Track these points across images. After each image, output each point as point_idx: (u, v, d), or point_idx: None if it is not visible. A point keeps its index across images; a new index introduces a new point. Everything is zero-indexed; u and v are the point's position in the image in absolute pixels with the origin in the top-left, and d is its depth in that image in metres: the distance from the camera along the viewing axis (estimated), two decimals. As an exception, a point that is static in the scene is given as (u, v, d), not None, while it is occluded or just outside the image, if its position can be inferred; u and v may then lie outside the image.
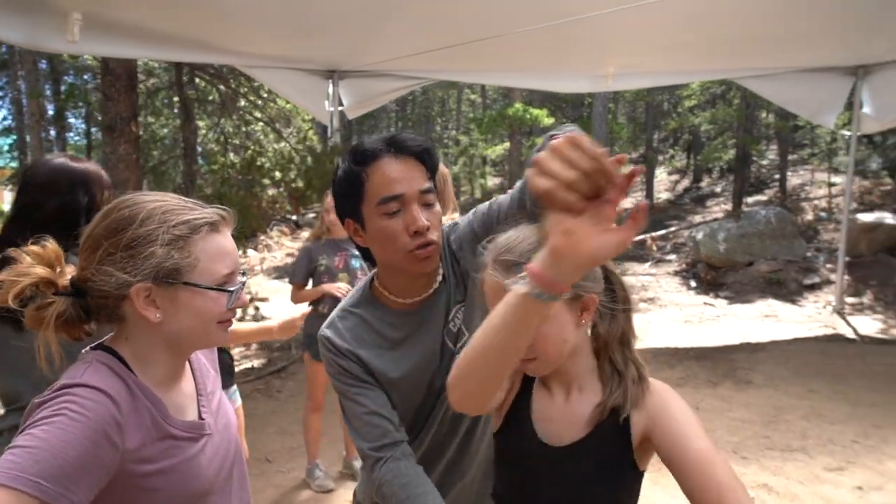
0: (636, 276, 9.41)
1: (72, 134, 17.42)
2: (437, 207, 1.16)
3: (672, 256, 11.51)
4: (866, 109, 5.96)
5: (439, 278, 1.24)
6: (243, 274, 1.01)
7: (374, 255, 1.21)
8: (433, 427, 1.26)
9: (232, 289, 0.97)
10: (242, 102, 8.84)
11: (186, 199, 0.98)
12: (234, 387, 2.64)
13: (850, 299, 7.60)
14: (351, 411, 1.19)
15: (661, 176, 20.07)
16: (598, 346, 1.00)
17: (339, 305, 1.28)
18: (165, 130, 12.18)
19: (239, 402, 2.64)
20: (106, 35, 4.04)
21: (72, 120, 16.37)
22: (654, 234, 11.55)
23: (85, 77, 13.79)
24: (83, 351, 0.97)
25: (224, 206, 1.00)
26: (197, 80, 8.19)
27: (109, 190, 1.65)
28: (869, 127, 6.32)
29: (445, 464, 1.29)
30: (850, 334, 6.03)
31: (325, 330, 1.23)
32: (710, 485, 0.84)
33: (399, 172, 1.12)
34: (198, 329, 0.96)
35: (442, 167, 3.12)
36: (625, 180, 0.70)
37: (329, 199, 3.18)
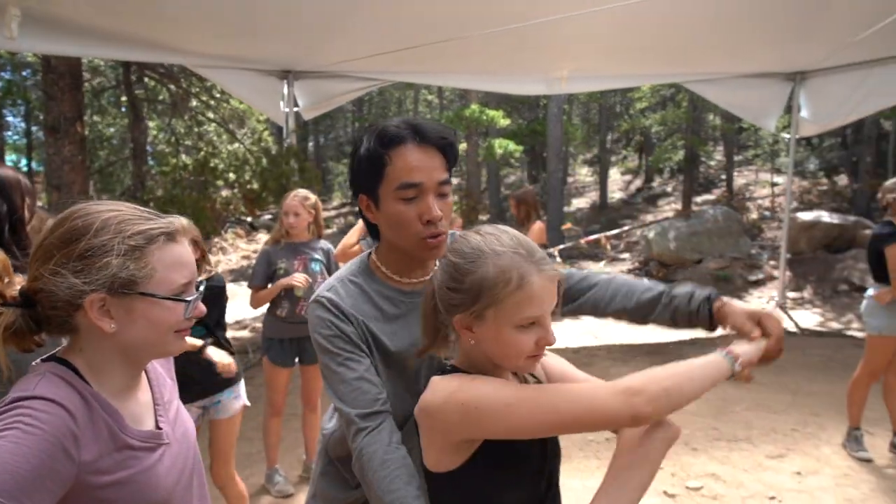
0: (591, 275, 9.60)
1: (10, 133, 16.65)
2: (450, 199, 1.21)
3: (625, 255, 11.83)
4: (804, 113, 6.27)
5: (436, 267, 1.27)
6: (200, 284, 1.01)
7: (381, 233, 1.25)
8: None
9: (189, 298, 0.96)
10: (194, 102, 8.63)
11: (142, 208, 0.97)
12: (237, 389, 2.62)
13: (791, 294, 7.98)
14: (339, 377, 1.16)
15: (615, 176, 20.57)
16: None
17: (337, 274, 1.28)
18: (112, 130, 11.74)
19: (230, 412, 2.62)
20: (48, 31, 3.88)
21: (10, 118, 15.66)
22: (608, 233, 11.83)
23: (24, 73, 13.18)
24: (34, 363, 0.95)
25: (181, 216, 0.99)
26: (146, 79, 7.95)
27: (31, 196, 1.58)
28: (807, 130, 6.65)
29: None
30: (791, 327, 6.33)
31: (325, 293, 1.22)
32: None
33: (421, 161, 1.15)
34: (154, 339, 0.95)
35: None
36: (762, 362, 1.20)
37: (288, 202, 3.14)
